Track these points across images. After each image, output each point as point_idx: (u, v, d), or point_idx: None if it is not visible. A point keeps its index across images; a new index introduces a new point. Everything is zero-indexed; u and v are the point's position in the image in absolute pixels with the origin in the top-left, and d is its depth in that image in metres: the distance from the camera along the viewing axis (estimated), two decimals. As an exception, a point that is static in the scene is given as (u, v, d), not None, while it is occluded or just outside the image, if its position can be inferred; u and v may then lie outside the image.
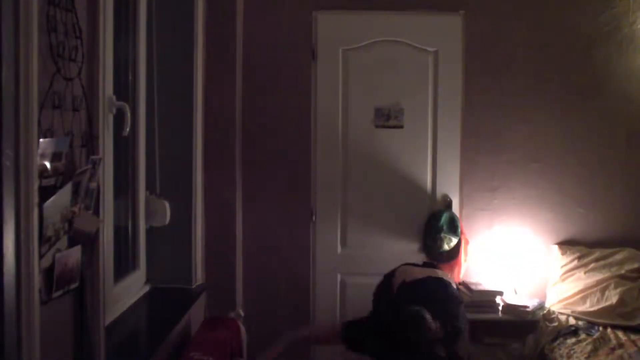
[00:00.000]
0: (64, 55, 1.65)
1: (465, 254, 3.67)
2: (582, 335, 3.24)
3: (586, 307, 3.46)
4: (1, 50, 1.38)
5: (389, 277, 2.84)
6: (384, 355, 2.60)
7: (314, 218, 3.70)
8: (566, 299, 3.55)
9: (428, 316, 2.45)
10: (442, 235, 3.58)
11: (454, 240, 3.59)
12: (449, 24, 3.71)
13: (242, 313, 3.33)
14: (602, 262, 3.58)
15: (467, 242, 3.69)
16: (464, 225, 3.69)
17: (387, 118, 3.69)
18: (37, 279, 1.49)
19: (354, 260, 3.73)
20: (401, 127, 3.69)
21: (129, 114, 2.40)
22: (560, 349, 3.15)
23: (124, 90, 2.69)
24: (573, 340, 3.21)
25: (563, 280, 3.62)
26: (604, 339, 3.19)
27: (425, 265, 3.03)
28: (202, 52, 3.24)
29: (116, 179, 2.47)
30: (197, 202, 3.21)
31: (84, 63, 1.78)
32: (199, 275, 3.24)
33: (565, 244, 3.73)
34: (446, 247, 3.59)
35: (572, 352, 3.08)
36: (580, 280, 3.55)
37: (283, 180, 3.72)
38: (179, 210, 3.09)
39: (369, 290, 2.89)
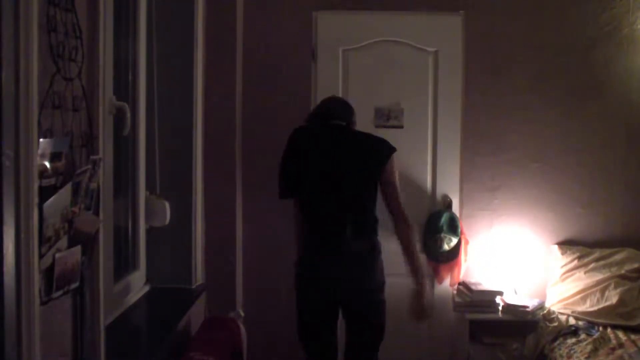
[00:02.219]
0: (64, 55, 1.65)
1: (465, 254, 3.68)
2: (582, 335, 3.24)
3: (586, 307, 3.46)
4: (1, 50, 1.37)
5: None
6: None
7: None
8: (566, 299, 3.55)
9: None
10: (442, 235, 3.58)
11: (454, 240, 3.60)
12: (449, 24, 3.71)
13: (242, 313, 3.33)
14: (602, 262, 3.58)
15: (467, 242, 3.69)
16: (464, 225, 3.69)
17: (387, 118, 3.69)
18: (37, 279, 1.49)
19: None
20: (401, 127, 3.68)
21: (129, 114, 2.40)
22: (560, 349, 3.15)
23: (124, 90, 2.69)
24: (573, 340, 3.20)
25: (563, 280, 3.62)
26: (604, 339, 3.19)
27: None
28: (202, 52, 3.24)
29: (116, 179, 2.47)
30: (197, 202, 3.21)
31: (84, 63, 1.78)
32: (199, 275, 3.24)
33: (565, 244, 3.73)
34: (446, 247, 3.60)
35: (572, 352, 3.08)
36: (580, 280, 3.55)
37: (283, 180, 3.71)
38: (179, 210, 3.09)
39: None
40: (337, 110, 2.94)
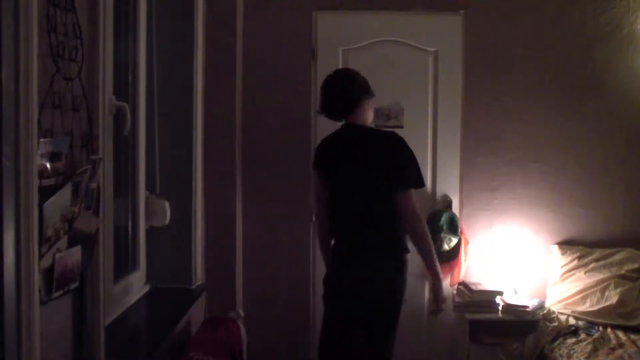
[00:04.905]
0: (64, 55, 1.65)
1: (465, 254, 3.68)
2: (582, 335, 3.23)
3: (586, 307, 3.46)
4: (1, 50, 1.38)
5: None
6: None
7: (314, 218, 3.70)
8: (566, 299, 3.55)
9: None
10: (442, 235, 3.58)
11: (454, 240, 3.60)
12: (449, 24, 3.71)
13: (242, 313, 3.33)
14: (602, 262, 3.58)
15: (467, 242, 3.69)
16: (464, 225, 3.69)
17: (387, 118, 3.69)
18: (37, 279, 1.49)
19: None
20: (401, 127, 3.68)
21: (129, 114, 2.41)
22: (560, 349, 3.15)
23: (124, 90, 2.69)
24: (573, 340, 3.20)
25: (563, 280, 3.62)
26: (604, 339, 3.19)
27: None
28: (202, 53, 3.24)
29: (116, 179, 2.47)
30: (197, 202, 3.21)
31: (84, 63, 1.78)
32: (199, 275, 3.25)
33: (565, 244, 3.73)
34: (446, 247, 3.60)
35: (572, 352, 3.08)
36: (580, 280, 3.55)
37: (283, 180, 3.72)
38: (179, 210, 3.09)
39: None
40: (339, 99, 2.90)
